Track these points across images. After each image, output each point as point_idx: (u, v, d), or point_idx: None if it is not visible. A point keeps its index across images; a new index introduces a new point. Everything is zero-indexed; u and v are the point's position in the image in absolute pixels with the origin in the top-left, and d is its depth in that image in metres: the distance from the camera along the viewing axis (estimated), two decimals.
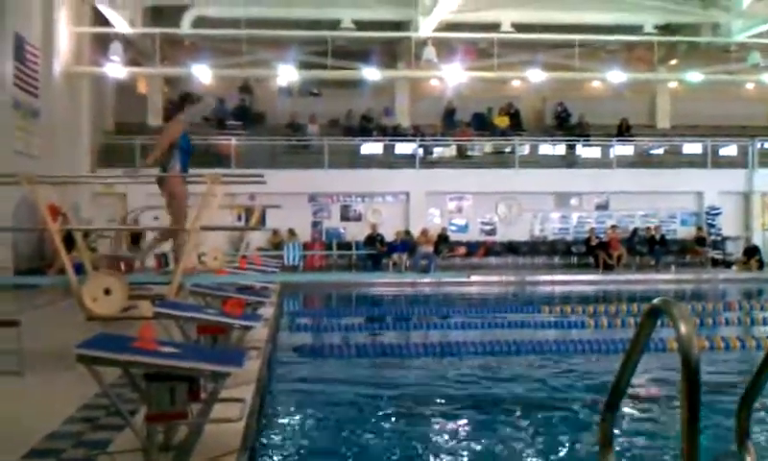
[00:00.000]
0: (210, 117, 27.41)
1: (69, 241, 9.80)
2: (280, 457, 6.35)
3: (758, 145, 26.57)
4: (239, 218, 23.01)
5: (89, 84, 23.61)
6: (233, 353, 5.39)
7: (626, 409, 7.57)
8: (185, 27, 24.20)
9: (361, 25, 24.58)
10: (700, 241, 25.37)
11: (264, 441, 6.47)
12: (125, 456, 4.36)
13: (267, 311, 11.25)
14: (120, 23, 22.53)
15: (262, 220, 19.71)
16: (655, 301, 2.87)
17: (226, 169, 21.83)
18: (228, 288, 9.25)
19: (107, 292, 7.72)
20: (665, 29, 26.95)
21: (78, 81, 22.82)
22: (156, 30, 24.57)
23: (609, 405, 3.22)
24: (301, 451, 6.59)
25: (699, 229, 25.69)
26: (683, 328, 2.58)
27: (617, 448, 6.00)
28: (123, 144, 24.47)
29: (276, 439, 6.82)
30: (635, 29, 26.22)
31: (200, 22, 24.28)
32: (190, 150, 8.18)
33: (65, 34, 21.94)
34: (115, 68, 23.58)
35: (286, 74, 25.35)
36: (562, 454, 6.51)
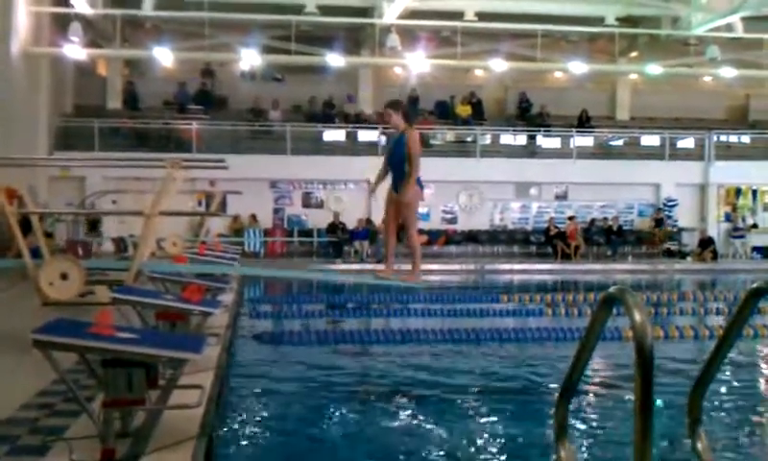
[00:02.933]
0: (171, 101, 27.18)
1: (26, 225, 9.68)
2: (239, 444, 6.35)
3: (715, 138, 27.00)
4: (199, 204, 22.86)
5: (48, 66, 23.18)
6: (192, 340, 5.37)
7: (582, 397, 7.68)
8: (147, 8, 23.87)
9: (325, 10, 24.45)
10: (658, 222, 25.82)
11: (223, 428, 6.46)
12: (81, 443, 4.33)
13: (227, 297, 11.20)
14: (80, 3, 22.14)
15: (223, 206, 19.59)
16: (610, 289, 2.92)
17: (186, 154, 21.67)
18: (187, 274, 9.18)
19: (63, 277, 7.63)
20: (626, 21, 27.22)
21: (36, 61, 22.38)
22: (117, 11, 24.22)
23: (563, 393, 3.27)
24: (261, 438, 6.60)
25: (658, 210, 26.08)
26: (636, 317, 2.63)
27: (572, 435, 6.10)
28: (82, 127, 24.15)
29: (236, 426, 6.81)
30: (596, 20, 26.44)
31: (162, 4, 23.96)
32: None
33: (23, 13, 21.50)
34: (75, 49, 23.17)
35: (249, 58, 25.16)
36: (519, 441, 6.59)
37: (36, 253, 8.49)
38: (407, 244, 8.26)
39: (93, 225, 21.77)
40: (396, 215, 8.13)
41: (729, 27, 25.24)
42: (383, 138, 25.56)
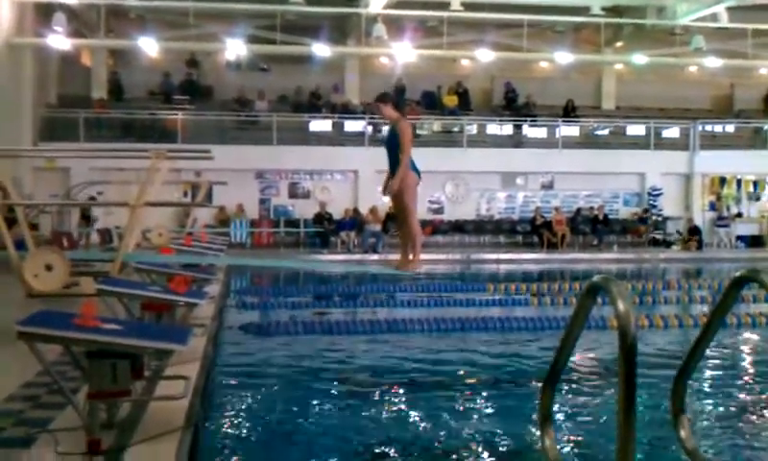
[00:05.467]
0: (156, 91, 27.04)
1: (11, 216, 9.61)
2: (225, 435, 6.35)
3: (700, 128, 27.11)
4: (185, 194, 22.77)
5: (32, 56, 23.00)
6: (177, 331, 5.36)
7: (566, 385, 7.72)
8: None
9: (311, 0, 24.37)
10: (643, 220, 25.98)
11: (209, 418, 6.45)
12: (67, 434, 4.32)
13: (213, 288, 11.18)
14: None
15: (208, 197, 19.51)
16: (594, 278, 2.94)
17: (172, 144, 21.57)
18: (173, 265, 9.15)
19: (48, 268, 7.61)
20: (612, 11, 27.26)
21: (20, 52, 22.20)
22: (101, 0, 24.03)
23: (548, 381, 3.29)
24: (246, 429, 6.59)
25: (645, 210, 26.21)
26: (620, 306, 2.65)
27: (557, 423, 6.14)
28: (66, 117, 24.00)
29: (221, 417, 6.80)
30: (582, 10, 26.47)
31: None
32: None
33: (7, 2, 21.31)
34: (59, 39, 22.99)
35: (234, 48, 25.03)
36: (504, 429, 6.62)
37: (20, 244, 8.45)
38: (406, 232, 8.27)
39: (87, 216, 21.59)
40: (398, 205, 8.19)
41: (714, 17, 25.30)
42: (370, 128, 25.56)
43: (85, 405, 4.24)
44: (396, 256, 8.60)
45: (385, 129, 26.20)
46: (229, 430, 6.49)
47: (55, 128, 23.75)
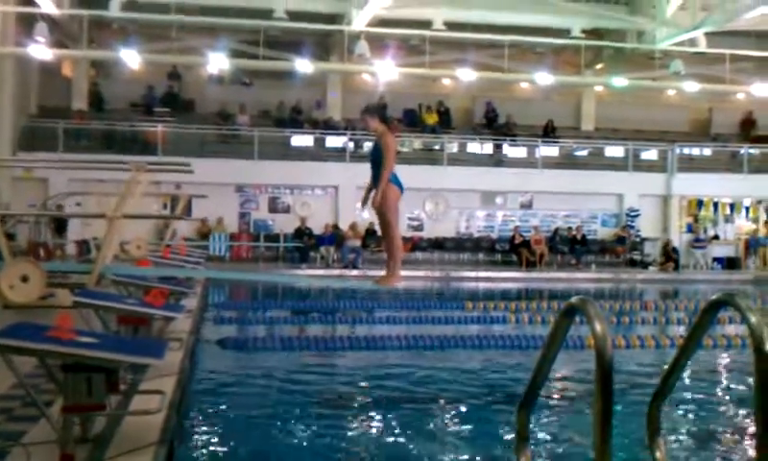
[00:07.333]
0: (137, 103, 26.96)
1: None
2: (200, 451, 6.29)
3: (678, 150, 27.40)
4: (165, 206, 22.66)
5: (13, 66, 22.87)
6: (154, 345, 5.33)
7: (543, 405, 7.73)
8: (114, 10, 23.63)
9: (294, 16, 24.42)
10: (621, 239, 26.17)
11: (184, 434, 6.40)
12: (40, 448, 4.27)
13: (190, 302, 11.12)
14: (46, 3, 21.87)
15: (188, 209, 19.44)
16: (571, 300, 2.95)
17: (152, 156, 21.49)
18: (150, 278, 9.10)
19: (24, 279, 7.54)
20: (592, 34, 27.54)
21: (1, 61, 22.09)
22: (84, 12, 23.94)
23: (525, 401, 3.30)
24: (223, 445, 6.55)
25: (623, 228, 26.42)
26: (597, 327, 2.67)
27: (534, 444, 6.14)
28: (46, 128, 23.87)
29: (197, 432, 6.75)
30: (563, 32, 26.72)
31: (129, 5, 23.74)
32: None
33: None
34: (40, 50, 22.88)
35: (217, 62, 25.02)
36: (481, 449, 6.61)
37: None
38: (388, 246, 8.24)
39: (60, 228, 21.42)
40: (381, 219, 8.18)
41: (692, 42, 25.63)
42: (351, 145, 25.61)
43: (60, 419, 4.19)
44: (375, 273, 8.59)
45: (366, 145, 26.39)
46: (205, 446, 6.44)
47: (34, 138, 23.62)
